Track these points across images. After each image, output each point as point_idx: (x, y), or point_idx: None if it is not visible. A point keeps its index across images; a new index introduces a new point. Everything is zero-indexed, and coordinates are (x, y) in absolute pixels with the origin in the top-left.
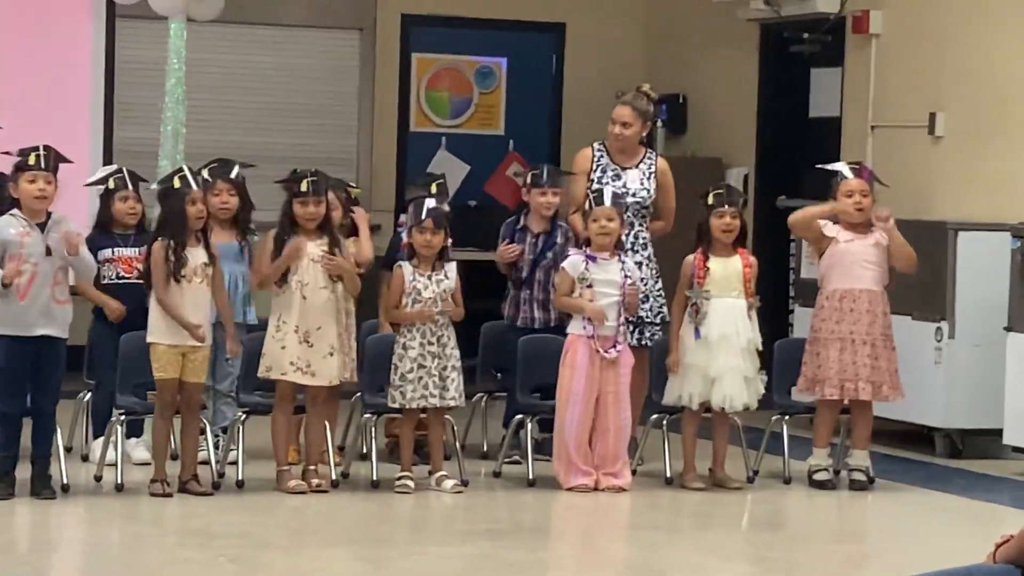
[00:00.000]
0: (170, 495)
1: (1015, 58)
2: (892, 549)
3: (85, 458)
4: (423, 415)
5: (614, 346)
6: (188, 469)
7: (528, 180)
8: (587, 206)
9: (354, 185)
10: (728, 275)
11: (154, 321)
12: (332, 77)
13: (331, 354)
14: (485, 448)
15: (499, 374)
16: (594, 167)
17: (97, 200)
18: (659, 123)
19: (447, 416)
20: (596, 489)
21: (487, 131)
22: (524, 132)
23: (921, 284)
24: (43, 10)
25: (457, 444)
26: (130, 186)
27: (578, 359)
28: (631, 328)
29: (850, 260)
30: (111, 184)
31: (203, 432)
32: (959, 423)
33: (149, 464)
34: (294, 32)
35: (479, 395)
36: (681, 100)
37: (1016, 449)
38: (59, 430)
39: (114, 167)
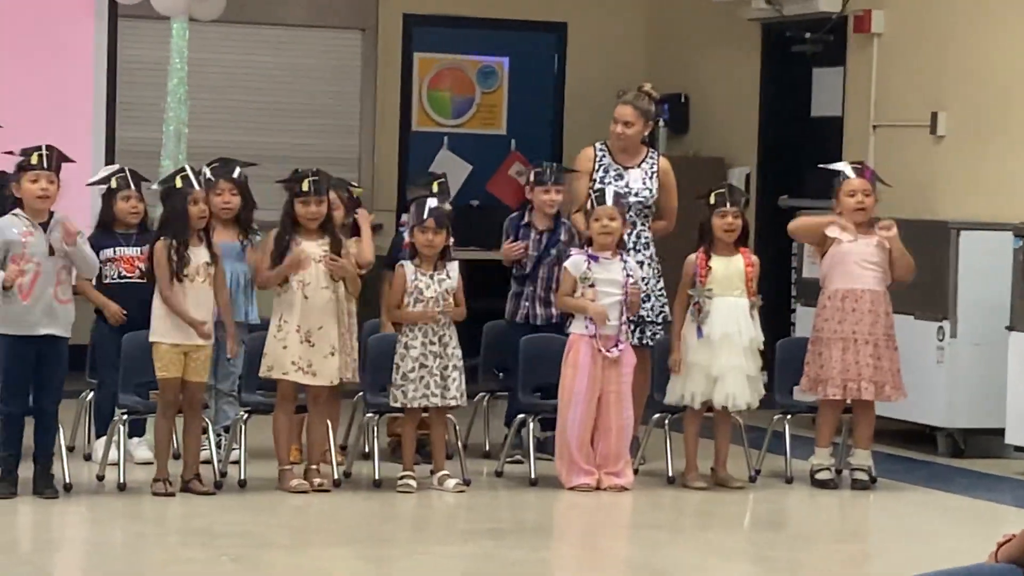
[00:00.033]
0: (172, 494)
1: (1017, 57)
2: (894, 549)
3: (87, 457)
4: (425, 414)
5: (616, 345)
6: (190, 468)
7: (531, 178)
8: (589, 205)
9: (356, 185)
10: (730, 274)
11: (157, 320)
12: (334, 77)
13: (332, 354)
14: (487, 447)
15: (501, 373)
16: (596, 167)
17: (99, 200)
18: (661, 123)
19: (449, 415)
20: (598, 488)
21: (489, 131)
22: (526, 132)
23: (923, 284)
24: (45, 10)
25: (459, 443)
26: (132, 185)
27: (580, 358)
28: (633, 327)
29: (852, 260)
30: (113, 183)
31: (205, 431)
32: (961, 422)
33: (151, 463)
34: (296, 32)
35: (481, 394)
36: (683, 100)
37: (1018, 448)
38: (61, 429)
39: (116, 166)
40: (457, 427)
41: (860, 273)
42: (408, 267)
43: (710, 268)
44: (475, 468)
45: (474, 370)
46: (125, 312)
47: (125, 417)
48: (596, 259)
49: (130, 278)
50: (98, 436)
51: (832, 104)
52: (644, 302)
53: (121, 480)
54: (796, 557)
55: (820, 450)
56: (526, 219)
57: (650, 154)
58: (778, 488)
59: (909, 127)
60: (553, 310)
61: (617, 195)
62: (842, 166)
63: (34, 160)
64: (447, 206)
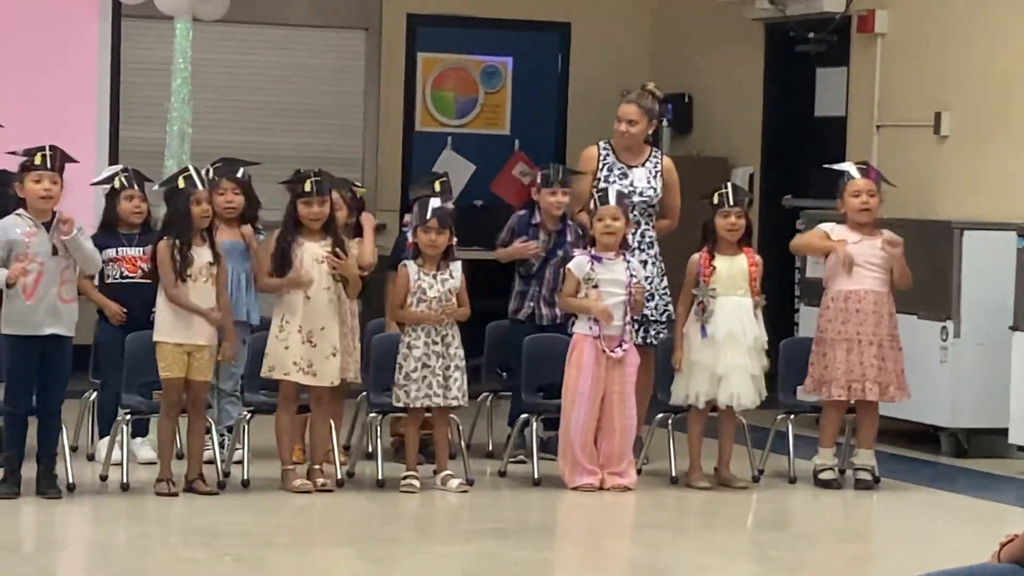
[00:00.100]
0: (175, 494)
1: (1020, 57)
2: (897, 548)
3: (91, 457)
4: (428, 414)
5: (620, 345)
6: (193, 468)
7: (538, 180)
8: (592, 205)
9: (359, 185)
10: (734, 274)
11: (161, 320)
12: (338, 77)
13: (334, 355)
14: (490, 447)
15: (504, 373)
16: (600, 166)
17: (103, 200)
18: (665, 123)
19: (452, 415)
20: (601, 488)
21: (493, 131)
22: (530, 132)
23: (926, 284)
24: (49, 10)
25: (462, 443)
26: (135, 185)
27: (584, 358)
28: (637, 326)
29: (856, 261)
30: (116, 183)
31: (208, 431)
32: (964, 422)
33: (154, 463)
34: (300, 32)
35: (484, 394)
36: (687, 100)
37: (1022, 448)
38: (65, 429)
39: (119, 166)
40: (460, 427)
41: (864, 274)
42: (411, 267)
43: (714, 268)
44: (478, 468)
45: (477, 370)
46: (127, 311)
47: (128, 417)
48: (599, 260)
49: (132, 278)
50: (101, 436)
51: (836, 104)
52: (648, 301)
53: (124, 480)
54: (799, 557)
55: (824, 450)
56: (536, 219)
57: (654, 153)
58: (781, 488)
59: (913, 127)
60: (557, 310)
61: (620, 195)
62: (847, 166)
63: (37, 160)
64: (450, 206)
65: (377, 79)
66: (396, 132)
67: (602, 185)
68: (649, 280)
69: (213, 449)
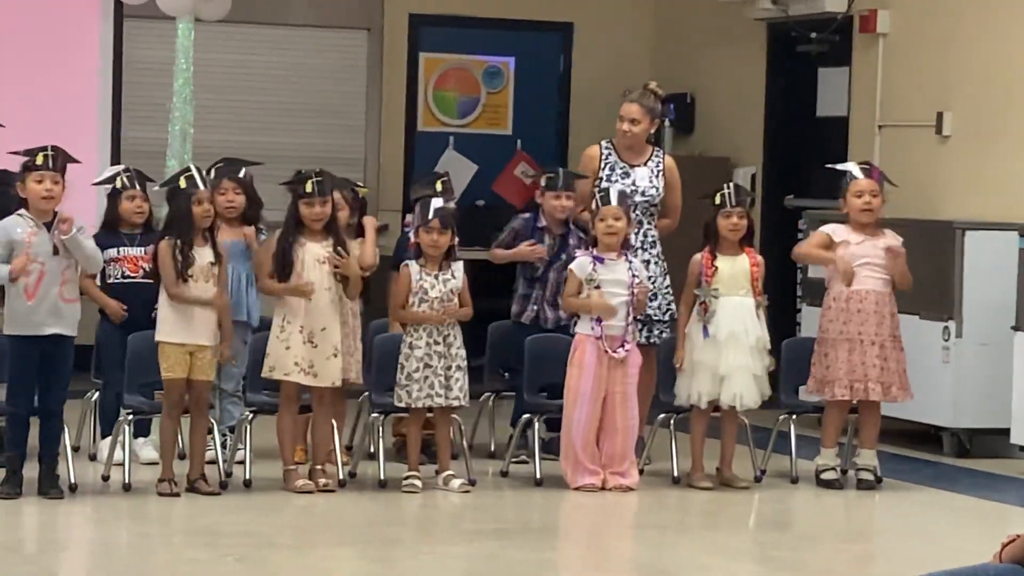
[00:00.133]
0: (177, 495)
1: (1022, 57)
2: (899, 548)
3: (93, 457)
4: (430, 415)
5: (622, 346)
6: (195, 468)
7: (543, 184)
8: (594, 205)
9: (361, 185)
10: (736, 274)
11: (163, 320)
12: (340, 77)
13: (335, 355)
14: (492, 447)
15: (506, 373)
16: (602, 165)
17: (104, 200)
18: (667, 122)
19: (454, 415)
20: (603, 488)
21: (495, 131)
22: (532, 132)
23: (928, 284)
24: (51, 10)
25: (464, 443)
26: (137, 185)
27: (586, 358)
28: (640, 326)
29: (858, 262)
30: (118, 183)
31: (210, 431)
32: (967, 422)
33: (156, 464)
34: (302, 32)
35: (486, 394)
36: (689, 100)
37: None
38: (67, 429)
39: (121, 166)
40: (462, 427)
41: (866, 274)
42: (413, 267)
43: (716, 268)
44: (480, 468)
45: (479, 370)
46: (128, 310)
47: (130, 417)
48: (601, 260)
49: (134, 278)
50: (103, 436)
51: (838, 104)
52: (651, 301)
53: (126, 480)
54: (801, 557)
55: (826, 450)
56: (541, 222)
57: (656, 152)
58: (783, 488)
59: (914, 127)
60: (561, 313)
61: (622, 194)
62: (850, 166)
63: (39, 160)
64: (452, 206)
65: (379, 79)
66: (398, 132)
67: (604, 185)
68: (652, 279)
69: (215, 449)
